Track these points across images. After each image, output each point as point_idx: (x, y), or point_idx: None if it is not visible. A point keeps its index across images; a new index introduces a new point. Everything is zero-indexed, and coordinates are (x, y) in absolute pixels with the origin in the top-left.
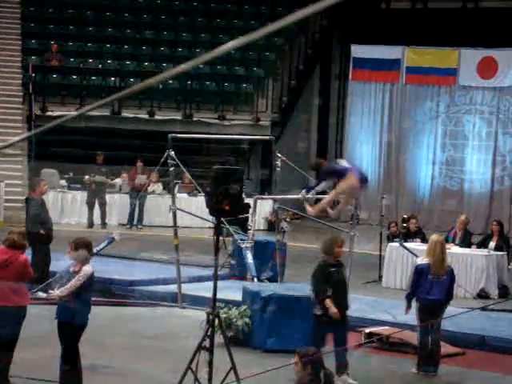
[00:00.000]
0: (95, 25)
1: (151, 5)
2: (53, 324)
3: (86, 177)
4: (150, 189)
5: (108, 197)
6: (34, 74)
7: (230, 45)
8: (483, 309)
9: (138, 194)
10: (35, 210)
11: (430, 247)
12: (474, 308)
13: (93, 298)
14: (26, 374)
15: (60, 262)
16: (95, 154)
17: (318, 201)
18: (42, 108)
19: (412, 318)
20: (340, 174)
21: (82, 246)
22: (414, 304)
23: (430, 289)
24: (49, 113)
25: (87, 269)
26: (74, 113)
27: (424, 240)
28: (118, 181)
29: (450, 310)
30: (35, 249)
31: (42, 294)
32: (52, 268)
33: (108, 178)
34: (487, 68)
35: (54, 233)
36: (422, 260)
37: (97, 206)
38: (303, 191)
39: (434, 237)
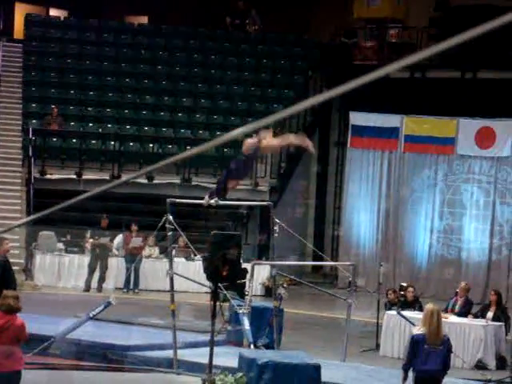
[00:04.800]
0: (96, 89)
1: (152, 71)
2: None
3: (91, 240)
4: (146, 253)
5: None
6: (33, 138)
7: (240, 130)
8: (482, 381)
9: (133, 257)
10: None
11: (425, 317)
12: (470, 379)
13: (88, 363)
14: None
15: (54, 325)
16: (100, 217)
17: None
18: (42, 171)
19: None
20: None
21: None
22: (411, 374)
23: (426, 359)
24: (48, 176)
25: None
26: (119, 181)
27: (421, 309)
28: (115, 243)
29: (447, 380)
30: None
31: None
32: (45, 332)
33: (111, 241)
34: (485, 138)
35: (51, 297)
36: (418, 330)
37: (97, 269)
38: (206, 197)
39: (429, 306)
